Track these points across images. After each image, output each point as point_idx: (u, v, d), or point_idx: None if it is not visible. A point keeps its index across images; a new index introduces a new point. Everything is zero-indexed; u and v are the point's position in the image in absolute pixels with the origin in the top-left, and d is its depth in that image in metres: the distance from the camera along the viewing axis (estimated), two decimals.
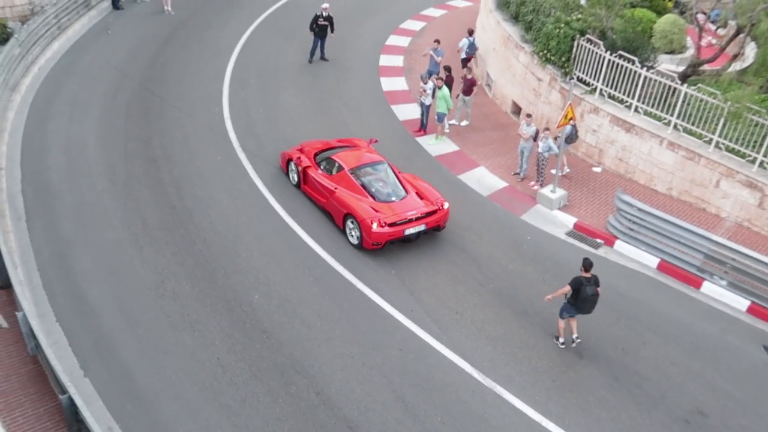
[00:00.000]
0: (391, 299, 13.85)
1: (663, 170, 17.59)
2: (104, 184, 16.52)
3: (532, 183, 17.69)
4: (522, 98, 20.76)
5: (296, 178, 16.82)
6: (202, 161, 17.69)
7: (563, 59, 18.98)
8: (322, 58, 23.22)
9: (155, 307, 13.16)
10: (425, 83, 19.51)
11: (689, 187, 17.26)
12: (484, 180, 18.16)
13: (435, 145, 19.52)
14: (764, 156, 16.04)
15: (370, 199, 15.20)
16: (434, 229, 15.54)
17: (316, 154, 16.83)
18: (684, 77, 18.29)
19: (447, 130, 20.01)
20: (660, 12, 22.60)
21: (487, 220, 16.66)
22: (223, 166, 17.58)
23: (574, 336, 13.11)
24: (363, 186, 15.42)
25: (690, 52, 21.12)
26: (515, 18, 21.44)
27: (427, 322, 13.40)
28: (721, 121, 16.37)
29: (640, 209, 15.65)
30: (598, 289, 12.72)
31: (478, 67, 23.63)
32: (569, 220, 16.74)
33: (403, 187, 15.67)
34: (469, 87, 20.20)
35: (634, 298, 14.56)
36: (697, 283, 14.98)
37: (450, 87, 19.71)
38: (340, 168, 15.82)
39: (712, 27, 23.80)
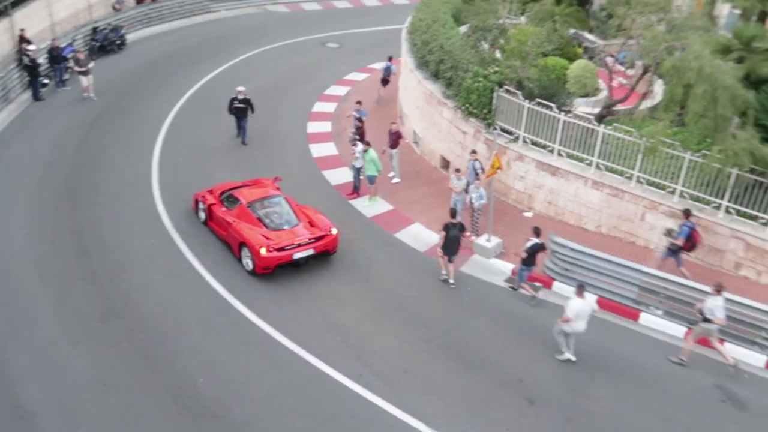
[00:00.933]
0: (340, 367, 13.73)
1: (590, 209, 18.14)
2: (34, 280, 16.06)
3: (468, 233, 17.98)
4: (449, 152, 21.23)
5: (203, 216, 18.20)
6: (135, 246, 17.40)
7: (485, 111, 19.56)
8: (243, 142, 22.89)
9: (97, 403, 12.71)
10: (354, 145, 19.82)
11: (617, 223, 17.81)
12: (420, 236, 18.37)
13: (369, 206, 19.71)
14: (683, 186, 16.72)
15: (264, 228, 16.59)
16: (324, 254, 16.85)
17: (221, 193, 18.15)
18: (600, 118, 19.05)
19: (393, 181, 20.54)
20: (571, 59, 23.63)
21: (427, 276, 16.80)
22: (157, 249, 17.33)
23: (443, 272, 16.36)
24: (258, 218, 16.85)
25: (603, 94, 22.05)
26: (435, 76, 22.06)
27: (377, 386, 13.31)
28: (639, 156, 17.05)
29: (573, 249, 16.05)
30: (465, 234, 16.72)
31: (404, 126, 24.12)
32: (507, 267, 17.02)
33: (297, 217, 17.07)
34: (395, 140, 20.62)
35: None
36: (634, 316, 15.33)
37: (362, 137, 20.46)
38: (239, 202, 17.27)
39: (621, 68, 24.95)
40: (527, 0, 25.20)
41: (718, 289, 13.59)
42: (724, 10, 26.58)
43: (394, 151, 20.78)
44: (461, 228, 16.29)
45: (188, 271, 16.60)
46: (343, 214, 19.16)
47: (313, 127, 24.60)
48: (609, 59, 21.71)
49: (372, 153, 19.18)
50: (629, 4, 19.91)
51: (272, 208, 17.28)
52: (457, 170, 18.43)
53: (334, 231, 16.93)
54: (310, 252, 16.48)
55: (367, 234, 18.41)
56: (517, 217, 19.02)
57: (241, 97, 22.42)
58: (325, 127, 24.60)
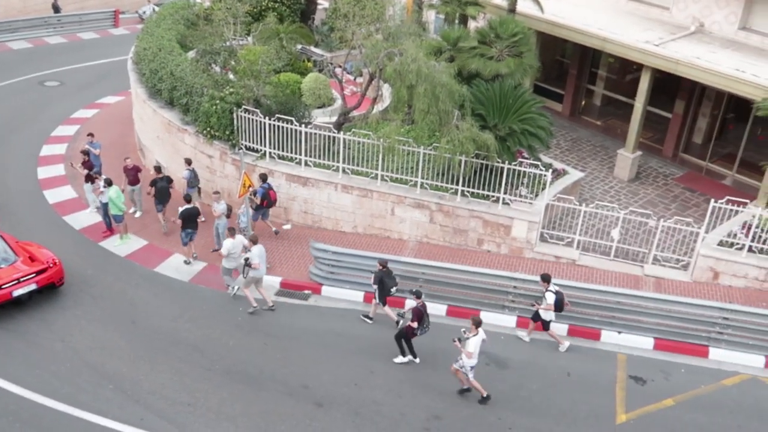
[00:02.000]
0: (117, 415, 12.99)
1: (345, 212, 18.94)
2: None
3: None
4: (198, 178, 20.88)
5: None
6: None
7: (227, 133, 19.56)
8: None
9: None
10: (91, 181, 18.89)
11: (371, 221, 18.81)
12: (182, 266, 17.90)
13: (121, 245, 18.77)
14: (422, 178, 18.13)
15: None
16: (50, 287, 16.29)
17: None
18: (339, 126, 19.96)
19: (136, 215, 19.70)
20: (303, 73, 24.41)
21: (196, 304, 16.45)
22: None
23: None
24: None
25: (338, 103, 23.10)
26: (170, 103, 21.59)
27: (162, 426, 12.79)
28: (380, 157, 18.17)
29: (334, 252, 16.67)
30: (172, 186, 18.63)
31: (146, 158, 23.29)
32: (275, 281, 17.20)
33: (15, 253, 16.33)
34: (134, 176, 19.92)
35: (352, 334, 15.40)
36: (401, 304, 16.32)
37: (90, 170, 19.88)
38: None
39: (351, 77, 26.31)
40: (251, 21, 25.59)
41: (254, 241, 15.82)
42: (431, 16, 29.14)
43: (134, 188, 20.05)
44: (168, 181, 18.80)
45: None
46: (96, 257, 18.08)
47: (44, 171, 22.81)
48: (338, 70, 22.80)
49: (112, 191, 18.28)
50: (347, 17, 21.10)
51: None
52: (216, 192, 18.26)
53: (56, 261, 16.44)
54: (33, 287, 15.84)
55: (125, 273, 17.52)
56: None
57: None
58: (59, 170, 22.93)
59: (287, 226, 19.52)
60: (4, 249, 16.30)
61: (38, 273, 15.97)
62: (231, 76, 21.44)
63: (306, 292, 16.87)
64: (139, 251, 18.55)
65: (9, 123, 26.23)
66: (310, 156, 19.09)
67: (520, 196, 18.00)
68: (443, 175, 18.00)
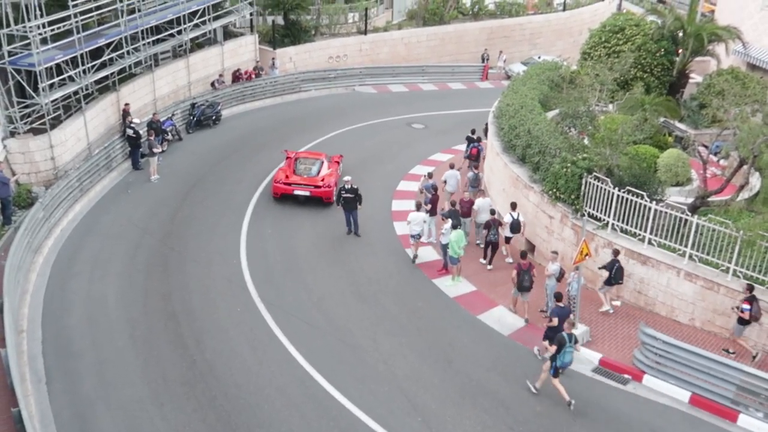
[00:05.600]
0: None
1: (683, 301, 17.51)
2: (124, 340, 16.51)
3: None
4: (535, 236, 21.04)
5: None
6: (221, 314, 17.74)
7: (572, 197, 19.41)
8: (355, 233, 22.37)
9: None
10: (444, 221, 20.00)
11: (712, 317, 17.11)
12: (503, 319, 18.08)
13: (452, 286, 19.60)
14: None
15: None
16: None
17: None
18: (693, 208, 18.59)
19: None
20: (661, 147, 23.32)
21: (510, 361, 16.44)
22: (242, 318, 17.61)
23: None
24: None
25: (695, 184, 21.59)
26: (522, 160, 22.14)
27: None
28: (736, 249, 16.49)
29: (665, 342, 15.46)
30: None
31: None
32: (594, 356, 16.49)
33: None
34: (468, 209, 21.27)
35: None
36: (733, 417, 14.52)
37: (435, 206, 21.75)
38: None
39: (714, 159, 24.46)
40: (617, 89, 25.25)
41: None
42: None
43: (465, 220, 21.02)
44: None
45: (272, 341, 16.75)
46: (427, 292, 19.15)
47: (397, 204, 24.86)
48: (702, 149, 21.34)
49: (454, 234, 19.19)
50: (722, 95, 19.68)
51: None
52: (554, 252, 18.25)
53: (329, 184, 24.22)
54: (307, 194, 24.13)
55: (450, 314, 18.24)
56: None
57: (348, 186, 21.90)
58: (409, 205, 24.77)
59: (617, 302, 18.64)
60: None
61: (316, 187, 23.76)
62: (586, 141, 21.29)
63: (626, 376, 15.89)
64: (467, 295, 19.18)
65: (377, 155, 29.16)
66: (655, 235, 18.05)
67: None
68: None
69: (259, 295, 18.60)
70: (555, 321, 15.39)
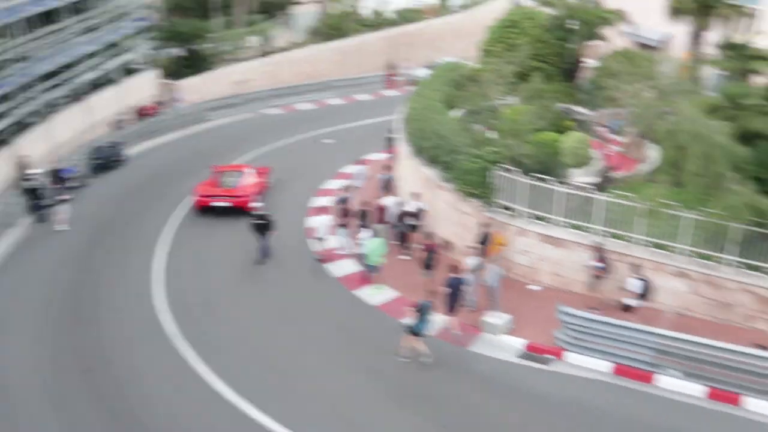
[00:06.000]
0: None
1: None
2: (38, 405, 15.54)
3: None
4: (451, 234, 21.14)
5: None
6: (140, 360, 16.87)
7: (483, 191, 19.60)
8: (260, 260, 21.58)
9: None
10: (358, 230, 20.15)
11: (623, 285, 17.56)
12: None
13: (374, 294, 19.44)
14: (689, 246, 16.60)
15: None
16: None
17: None
18: (601, 186, 19.04)
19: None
20: (563, 132, 23.87)
21: (441, 359, 16.41)
22: (161, 360, 16.81)
23: None
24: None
25: (597, 163, 22.18)
26: (432, 161, 22.23)
27: None
28: (642, 220, 16.99)
29: (584, 318, 15.79)
30: None
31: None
32: (520, 343, 16.67)
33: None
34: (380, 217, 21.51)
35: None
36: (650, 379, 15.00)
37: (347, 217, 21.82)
38: None
39: (614, 137, 25.20)
40: (517, 81, 25.77)
41: None
42: (707, 72, 27.09)
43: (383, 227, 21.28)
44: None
45: (195, 379, 16.06)
46: (349, 305, 19.03)
47: (311, 222, 24.60)
48: (601, 129, 21.98)
49: (375, 242, 19.17)
50: (616, 75, 20.33)
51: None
52: (471, 248, 18.38)
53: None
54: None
55: (374, 323, 18.13)
56: (523, 292, 18.79)
57: (257, 213, 21.78)
58: (324, 220, 24.57)
59: (534, 287, 18.94)
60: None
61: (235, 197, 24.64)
62: (491, 135, 21.60)
63: (547, 356, 16.17)
64: (391, 303, 18.92)
65: (289, 175, 28.90)
66: (566, 217, 18.43)
67: None
68: (710, 242, 16.31)
69: (181, 334, 17.93)
70: (449, 290, 16.19)
